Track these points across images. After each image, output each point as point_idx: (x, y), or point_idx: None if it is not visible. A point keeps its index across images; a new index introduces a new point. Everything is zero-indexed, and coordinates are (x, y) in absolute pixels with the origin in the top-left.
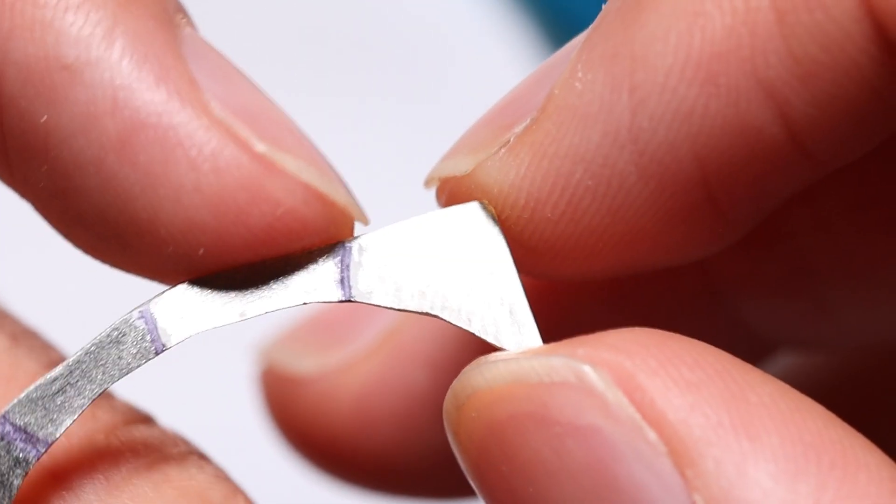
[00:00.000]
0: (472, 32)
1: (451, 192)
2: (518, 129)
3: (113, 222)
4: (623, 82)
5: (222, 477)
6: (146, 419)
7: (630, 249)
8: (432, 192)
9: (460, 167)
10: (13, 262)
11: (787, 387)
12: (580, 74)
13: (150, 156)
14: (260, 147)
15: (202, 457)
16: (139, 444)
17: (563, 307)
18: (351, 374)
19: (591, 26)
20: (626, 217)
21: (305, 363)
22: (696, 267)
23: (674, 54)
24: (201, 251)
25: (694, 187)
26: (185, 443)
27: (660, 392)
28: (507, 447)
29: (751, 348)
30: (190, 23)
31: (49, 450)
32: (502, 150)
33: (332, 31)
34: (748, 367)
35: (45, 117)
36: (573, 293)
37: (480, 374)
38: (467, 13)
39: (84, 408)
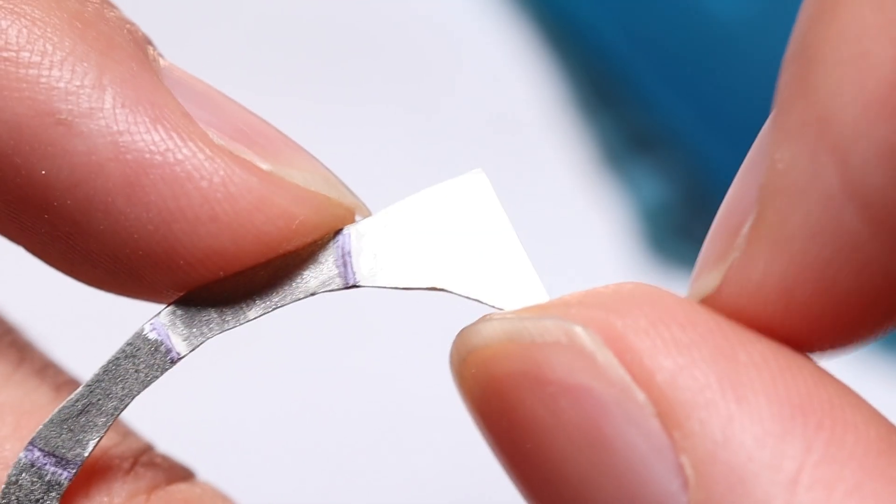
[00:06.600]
0: (473, 34)
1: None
2: (745, 229)
3: (126, 259)
4: (819, 146)
5: None
6: (187, 476)
7: (884, 307)
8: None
9: (709, 285)
10: (16, 277)
11: (779, 346)
12: (778, 156)
13: (160, 194)
14: (265, 166)
15: None
16: None
17: None
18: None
19: (772, 110)
20: (871, 274)
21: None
22: None
23: (854, 102)
24: (221, 274)
25: None
26: (225, 500)
27: (649, 352)
28: (504, 404)
29: None
30: (160, 54)
31: None
32: (737, 255)
33: (332, 33)
34: (740, 327)
35: (43, 171)
36: None
37: (478, 332)
38: (466, 15)
39: (108, 425)
